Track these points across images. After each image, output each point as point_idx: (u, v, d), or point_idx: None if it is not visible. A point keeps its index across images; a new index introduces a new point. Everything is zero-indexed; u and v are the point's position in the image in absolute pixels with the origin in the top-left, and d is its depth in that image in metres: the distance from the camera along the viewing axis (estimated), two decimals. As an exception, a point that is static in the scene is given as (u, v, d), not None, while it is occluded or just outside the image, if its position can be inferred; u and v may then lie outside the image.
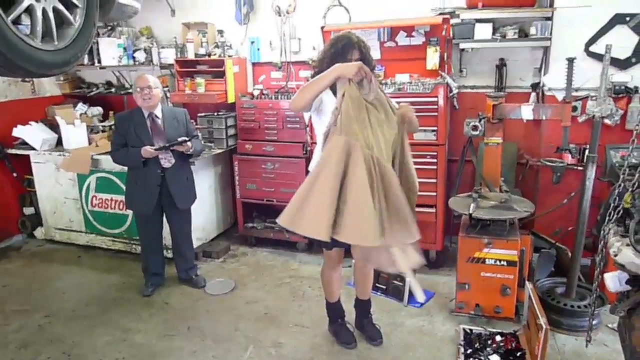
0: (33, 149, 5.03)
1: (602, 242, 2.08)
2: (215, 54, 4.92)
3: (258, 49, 5.07)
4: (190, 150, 3.86)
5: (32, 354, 3.35)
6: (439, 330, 3.44)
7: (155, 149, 3.71)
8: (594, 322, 2.59)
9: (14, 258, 5.03)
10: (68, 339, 3.51)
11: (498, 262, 3.36)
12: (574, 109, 3.36)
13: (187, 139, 3.81)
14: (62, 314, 3.86)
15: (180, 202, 3.96)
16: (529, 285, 3.13)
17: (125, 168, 4.02)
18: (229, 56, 4.91)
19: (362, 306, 3.40)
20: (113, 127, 4.22)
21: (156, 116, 3.84)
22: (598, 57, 3.85)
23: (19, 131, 5.04)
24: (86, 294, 4.19)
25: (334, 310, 3.38)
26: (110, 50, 5.14)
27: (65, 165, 4.85)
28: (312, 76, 2.80)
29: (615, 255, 1.90)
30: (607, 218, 2.08)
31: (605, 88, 3.19)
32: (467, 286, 3.46)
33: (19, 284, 4.42)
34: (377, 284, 3.94)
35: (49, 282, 4.44)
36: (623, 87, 3.89)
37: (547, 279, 3.73)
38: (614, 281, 2.03)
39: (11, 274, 4.64)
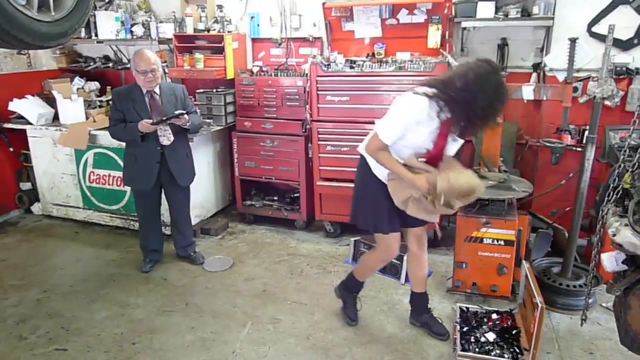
0: (30, 123, 4.99)
1: (600, 222, 2.09)
2: (214, 29, 4.84)
3: (258, 25, 5.00)
4: (188, 124, 3.81)
5: (31, 328, 3.37)
6: (436, 308, 3.47)
7: (152, 123, 3.66)
8: (589, 301, 2.63)
9: (12, 233, 5.03)
10: (66, 314, 3.53)
11: (496, 242, 3.37)
12: (575, 89, 3.35)
13: (183, 111, 3.74)
14: (60, 289, 3.88)
15: (181, 179, 3.95)
16: (525, 265, 3.16)
17: (123, 144, 3.99)
18: (229, 32, 4.84)
19: (419, 300, 3.25)
20: (111, 102, 4.17)
21: (155, 92, 3.79)
22: (600, 37, 3.83)
23: (15, 105, 4.99)
24: (84, 269, 4.21)
25: (356, 285, 3.33)
26: (107, 23, 5.06)
27: (62, 140, 4.81)
28: (439, 90, 2.48)
29: (614, 235, 1.91)
30: (606, 198, 2.09)
31: (607, 69, 3.18)
32: (464, 265, 3.48)
33: (16, 259, 4.43)
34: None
35: (47, 258, 4.45)
36: (624, 69, 3.87)
37: (543, 258, 3.75)
38: (610, 261, 2.05)
39: (8, 249, 4.64)
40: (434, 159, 2.70)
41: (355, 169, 3.00)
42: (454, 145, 2.75)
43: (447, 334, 3.16)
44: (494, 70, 2.44)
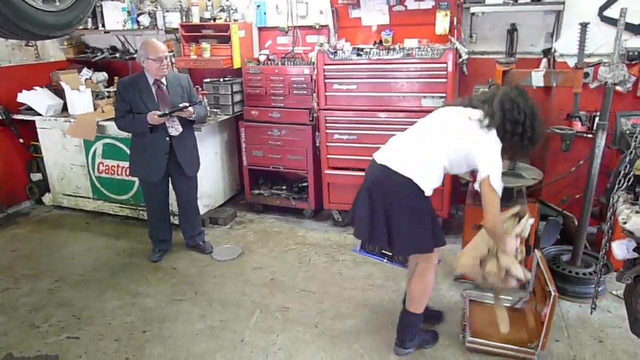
0: (39, 114, 5.01)
1: (611, 210, 2.06)
2: (220, 18, 4.83)
3: (264, 13, 4.96)
4: (193, 115, 3.81)
5: (43, 317, 3.42)
6: (445, 296, 3.48)
7: (160, 115, 3.66)
8: (599, 289, 2.61)
9: (23, 224, 5.08)
10: (78, 303, 3.57)
11: (504, 230, 3.35)
12: (586, 75, 3.29)
13: (187, 104, 3.74)
14: (72, 278, 3.92)
15: (188, 169, 3.96)
16: (537, 253, 3.12)
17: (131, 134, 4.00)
18: (235, 20, 4.82)
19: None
20: (116, 93, 4.16)
21: (162, 82, 3.78)
22: (612, 21, 3.75)
23: (24, 96, 5.02)
24: (95, 259, 4.25)
25: (418, 321, 2.95)
26: (114, 14, 5.06)
27: (71, 131, 4.84)
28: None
29: (625, 223, 1.89)
30: (616, 185, 2.07)
31: (619, 54, 3.12)
32: (472, 253, 3.45)
33: (28, 249, 4.48)
34: (382, 251, 3.97)
35: (58, 248, 4.49)
36: (636, 53, 3.81)
37: (552, 246, 3.73)
38: (621, 249, 2.02)
39: (20, 240, 4.69)
40: None
41: (361, 157, 2.91)
42: None
43: (441, 313, 3.24)
44: (526, 94, 2.59)
